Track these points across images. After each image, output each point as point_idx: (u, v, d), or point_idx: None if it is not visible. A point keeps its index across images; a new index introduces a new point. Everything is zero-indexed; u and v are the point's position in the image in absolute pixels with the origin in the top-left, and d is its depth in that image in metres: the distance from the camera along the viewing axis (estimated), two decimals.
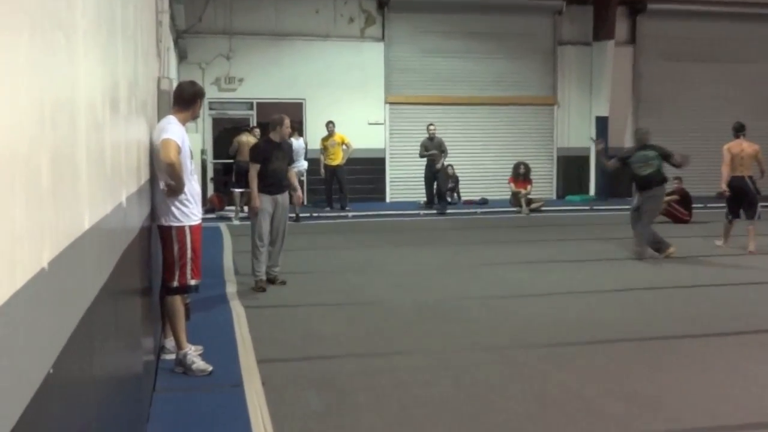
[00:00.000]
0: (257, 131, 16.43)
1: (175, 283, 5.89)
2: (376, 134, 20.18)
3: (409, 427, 4.92)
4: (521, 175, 18.99)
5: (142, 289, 4.84)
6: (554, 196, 21.35)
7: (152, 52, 6.65)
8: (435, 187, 18.20)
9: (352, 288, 9.37)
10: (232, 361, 6.18)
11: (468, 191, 20.36)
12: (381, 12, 20.23)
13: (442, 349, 6.68)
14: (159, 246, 5.97)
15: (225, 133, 19.19)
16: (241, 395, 5.38)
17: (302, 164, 16.84)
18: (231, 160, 17.26)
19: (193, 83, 6.32)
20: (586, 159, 21.40)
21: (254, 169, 8.94)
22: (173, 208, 5.81)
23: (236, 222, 15.94)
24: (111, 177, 3.18)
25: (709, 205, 18.66)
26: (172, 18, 13.15)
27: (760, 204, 12.41)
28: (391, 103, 20.40)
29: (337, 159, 17.90)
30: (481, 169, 20.96)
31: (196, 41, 18.75)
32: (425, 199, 18.74)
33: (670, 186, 16.08)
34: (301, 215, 16.29)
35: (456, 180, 20.04)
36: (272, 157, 8.97)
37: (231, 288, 9.22)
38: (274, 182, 8.99)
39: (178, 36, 16.96)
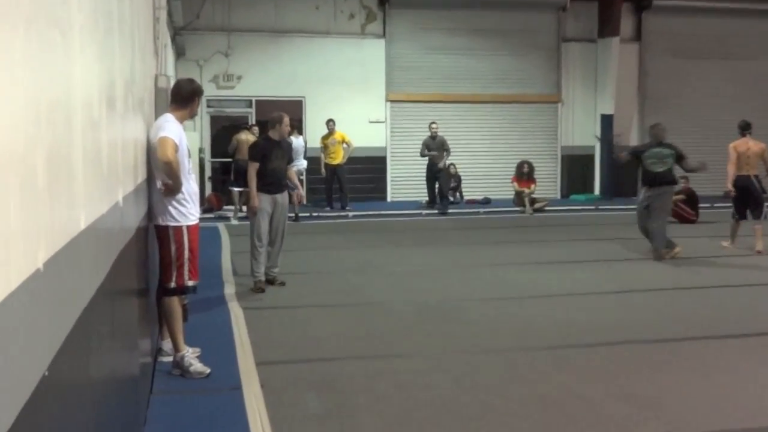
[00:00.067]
0: (256, 129, 16.47)
1: (173, 284, 5.89)
2: (377, 133, 20.18)
3: (410, 430, 4.92)
4: (525, 174, 18.98)
5: (139, 290, 4.85)
6: (558, 196, 21.35)
7: (149, 49, 6.65)
8: (437, 186, 18.20)
9: (352, 289, 9.37)
10: (231, 364, 6.18)
11: (470, 191, 20.37)
12: (382, 8, 20.23)
13: (443, 350, 6.69)
14: (156, 246, 5.97)
15: (223, 131, 19.22)
16: (239, 398, 5.38)
17: (302, 163, 16.84)
18: (229, 159, 17.28)
19: (191, 81, 6.32)
20: (591, 158, 21.41)
21: (253, 168, 8.94)
22: (170, 208, 5.81)
23: (234, 222, 15.94)
24: (107, 176, 3.18)
25: (716, 204, 18.65)
26: (170, 14, 13.14)
27: (767, 204, 12.39)
28: (392, 101, 20.40)
29: (338, 158, 17.90)
30: (483, 168, 20.95)
31: (194, 38, 18.77)
32: (427, 198, 18.75)
33: (677, 186, 16.13)
34: (300, 215, 16.30)
35: (458, 179, 20.02)
36: (271, 155, 8.97)
37: (229, 289, 9.23)
38: (273, 181, 8.99)
39: (176, 33, 16.97)
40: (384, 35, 20.29)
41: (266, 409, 5.17)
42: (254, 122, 18.10)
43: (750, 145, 12.34)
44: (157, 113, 6.58)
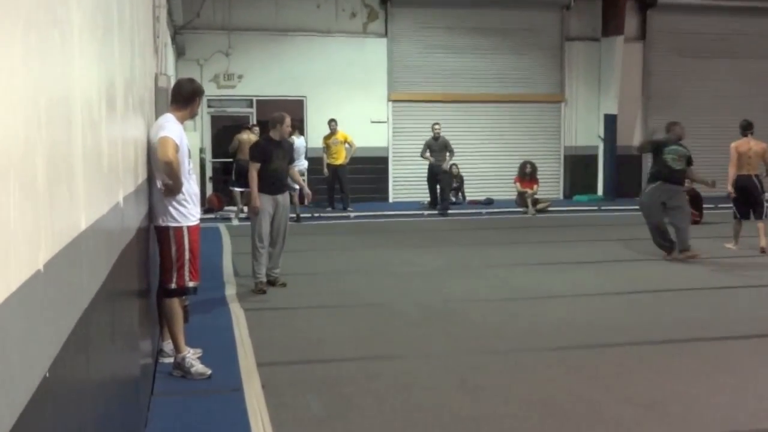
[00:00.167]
0: (257, 129, 16.52)
1: (173, 285, 5.90)
2: (379, 133, 20.17)
3: None
4: (527, 174, 18.96)
5: (140, 290, 4.85)
6: (561, 196, 21.34)
7: (149, 49, 6.66)
8: (437, 187, 18.19)
9: (354, 290, 9.37)
10: (232, 365, 6.19)
11: (473, 191, 20.36)
12: (384, 7, 20.21)
13: (446, 352, 6.69)
14: (157, 247, 5.98)
15: (224, 131, 19.21)
16: (240, 399, 5.39)
17: (303, 163, 16.85)
18: (230, 159, 17.31)
19: (191, 80, 6.32)
20: (594, 158, 21.39)
21: (254, 168, 8.93)
22: (171, 209, 5.81)
23: (236, 222, 15.95)
24: (108, 176, 3.18)
25: (720, 205, 18.63)
26: (170, 13, 13.16)
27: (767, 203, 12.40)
28: (394, 101, 20.38)
29: (340, 158, 17.87)
30: (486, 168, 20.93)
31: (194, 37, 18.77)
32: (428, 199, 18.75)
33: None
34: (302, 215, 16.31)
35: (461, 179, 20.02)
36: (272, 156, 8.96)
37: (230, 290, 9.23)
38: (274, 182, 8.99)
39: (176, 32, 16.98)
40: (386, 34, 20.28)
41: (267, 410, 5.17)
42: (255, 122, 18.12)
43: (751, 144, 12.35)
44: (158, 113, 6.59)
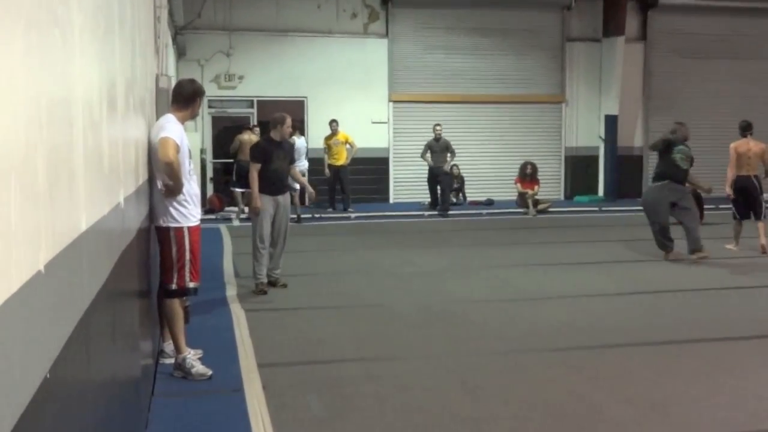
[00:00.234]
0: (258, 130, 16.59)
1: (174, 286, 5.89)
2: (380, 133, 20.16)
3: None
4: (528, 175, 18.95)
5: (141, 291, 4.85)
6: (562, 197, 21.34)
7: (150, 49, 6.66)
8: (438, 188, 18.18)
9: (355, 291, 9.37)
10: (232, 365, 6.19)
11: (473, 192, 20.36)
12: (384, 7, 20.21)
13: (446, 353, 6.68)
14: (157, 247, 5.97)
15: (225, 131, 19.21)
16: (241, 400, 5.39)
17: (303, 164, 16.85)
18: (231, 160, 17.32)
19: (192, 81, 6.32)
20: (595, 159, 21.39)
21: (254, 169, 8.93)
22: (171, 209, 5.81)
23: (236, 222, 15.96)
24: (108, 177, 3.18)
25: (720, 206, 18.62)
26: (171, 13, 13.16)
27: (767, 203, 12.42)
28: (395, 102, 20.38)
29: (341, 159, 17.86)
30: (486, 169, 20.94)
31: (195, 37, 18.78)
32: (429, 200, 18.75)
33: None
34: (302, 216, 16.30)
35: (461, 180, 20.02)
36: (273, 156, 8.96)
37: (231, 291, 9.23)
38: (274, 182, 8.99)
39: (177, 32, 16.99)
40: (387, 35, 20.27)
41: (268, 411, 5.17)
42: (256, 123, 18.13)
43: (751, 145, 12.36)
44: (159, 113, 6.59)
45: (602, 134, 21.19)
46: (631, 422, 5.09)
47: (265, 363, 6.28)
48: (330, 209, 17.94)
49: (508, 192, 19.93)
